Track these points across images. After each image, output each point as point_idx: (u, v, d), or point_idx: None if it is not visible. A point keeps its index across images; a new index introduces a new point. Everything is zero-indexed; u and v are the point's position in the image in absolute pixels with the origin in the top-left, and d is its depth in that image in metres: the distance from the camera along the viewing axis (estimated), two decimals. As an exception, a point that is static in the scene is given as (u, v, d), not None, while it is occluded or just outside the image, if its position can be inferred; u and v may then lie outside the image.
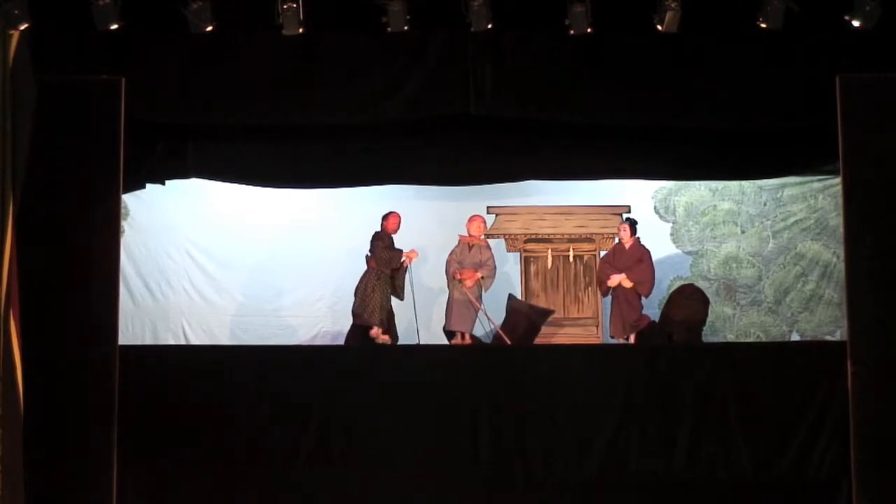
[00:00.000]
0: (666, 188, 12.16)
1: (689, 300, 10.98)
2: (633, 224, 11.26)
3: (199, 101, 9.64)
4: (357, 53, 9.58)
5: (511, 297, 11.19)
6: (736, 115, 9.75)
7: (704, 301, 11.07)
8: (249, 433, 9.40)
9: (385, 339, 10.71)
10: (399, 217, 11.09)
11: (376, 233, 11.03)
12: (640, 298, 11.06)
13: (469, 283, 10.95)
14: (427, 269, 11.58)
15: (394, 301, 11.02)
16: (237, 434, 9.39)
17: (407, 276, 11.10)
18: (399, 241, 11.10)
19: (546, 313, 11.06)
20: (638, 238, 11.22)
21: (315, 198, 11.80)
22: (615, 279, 11.02)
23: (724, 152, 10.85)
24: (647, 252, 11.16)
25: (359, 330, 10.84)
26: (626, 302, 10.99)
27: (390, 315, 10.95)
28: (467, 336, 10.88)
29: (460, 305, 10.94)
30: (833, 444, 9.35)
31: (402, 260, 10.97)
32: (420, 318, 11.26)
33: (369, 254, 10.96)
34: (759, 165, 11.16)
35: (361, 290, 10.86)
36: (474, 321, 10.97)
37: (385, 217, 11.08)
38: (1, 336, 8.42)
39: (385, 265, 10.90)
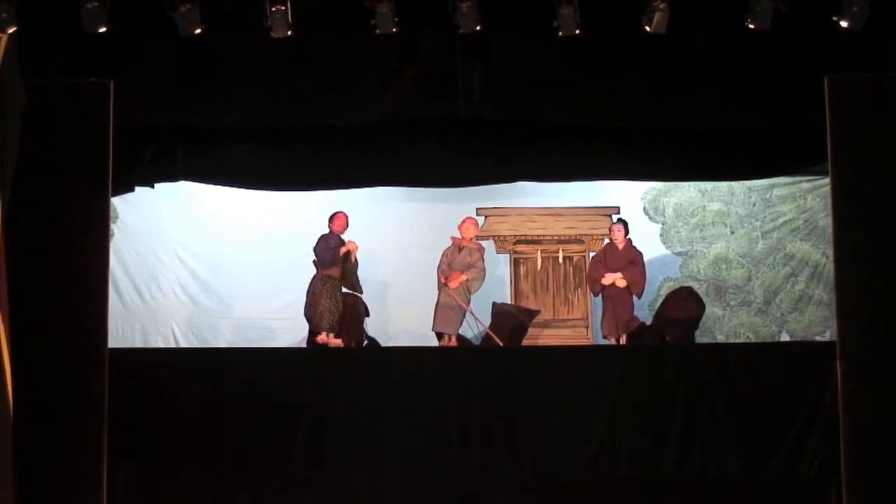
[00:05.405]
0: (655, 189, 12.16)
1: (686, 301, 10.96)
2: (626, 225, 11.27)
3: (189, 104, 9.63)
4: (346, 55, 9.59)
5: (495, 304, 11.18)
6: (725, 115, 9.78)
7: (700, 304, 11.05)
8: (240, 435, 9.38)
9: (337, 342, 10.58)
10: (346, 217, 10.95)
11: (322, 235, 10.91)
12: (632, 298, 11.07)
13: (453, 284, 10.92)
14: (417, 271, 11.57)
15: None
16: (227, 437, 9.37)
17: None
18: (390, 242, 11.09)
19: (533, 313, 11.07)
20: (630, 239, 11.22)
21: (304, 200, 11.78)
22: (609, 277, 11.02)
23: (713, 153, 10.84)
24: (640, 254, 11.17)
25: (312, 335, 10.75)
26: (619, 301, 10.98)
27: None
28: (453, 338, 10.85)
29: (445, 308, 10.90)
30: (823, 444, 9.36)
31: (342, 254, 10.77)
32: (411, 320, 11.27)
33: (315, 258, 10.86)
34: (749, 166, 11.16)
35: (310, 295, 10.75)
36: (459, 323, 10.93)
37: (331, 218, 10.94)
38: (-10, 339, 8.41)
39: (327, 265, 10.76)
